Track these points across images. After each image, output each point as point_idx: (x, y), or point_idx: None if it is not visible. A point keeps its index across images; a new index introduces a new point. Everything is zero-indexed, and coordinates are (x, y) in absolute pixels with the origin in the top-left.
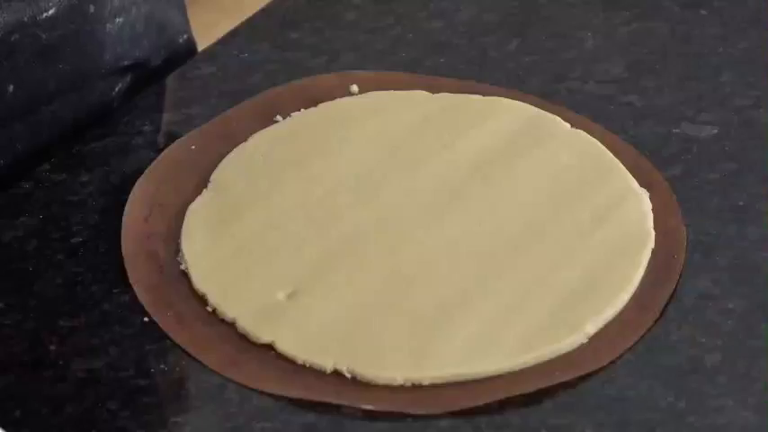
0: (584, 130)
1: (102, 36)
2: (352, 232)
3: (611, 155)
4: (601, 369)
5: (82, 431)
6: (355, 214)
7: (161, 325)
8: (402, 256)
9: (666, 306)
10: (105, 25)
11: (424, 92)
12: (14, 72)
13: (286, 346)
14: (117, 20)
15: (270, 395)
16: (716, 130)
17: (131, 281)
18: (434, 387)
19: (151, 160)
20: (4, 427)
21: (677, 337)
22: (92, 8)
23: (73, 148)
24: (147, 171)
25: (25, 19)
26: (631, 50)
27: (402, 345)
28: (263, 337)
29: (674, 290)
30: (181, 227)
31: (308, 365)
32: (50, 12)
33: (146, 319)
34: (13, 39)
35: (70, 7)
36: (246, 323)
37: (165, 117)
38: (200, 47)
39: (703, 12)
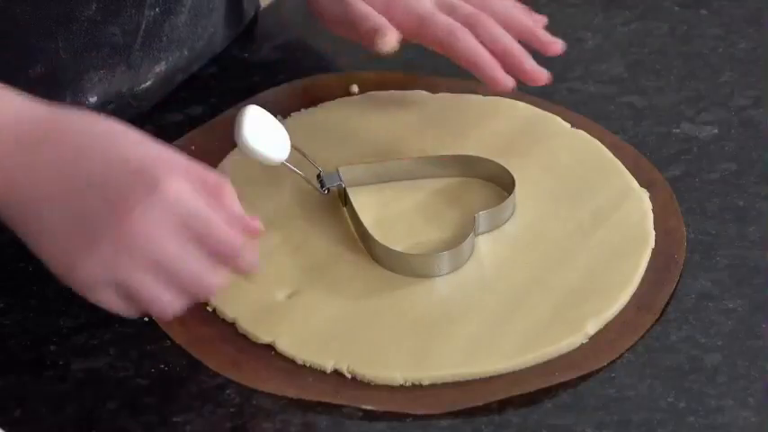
0: (584, 130)
1: None
2: (352, 232)
3: (611, 155)
4: (601, 369)
5: (82, 431)
6: None
7: (161, 325)
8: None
9: (666, 306)
10: None
11: (424, 92)
12: None
13: (286, 346)
14: None
15: (270, 395)
16: (716, 130)
17: None
18: (434, 387)
19: None
20: (3, 427)
21: (677, 337)
22: (180, 77)
23: None
24: None
25: (124, 90)
26: (631, 50)
27: (402, 345)
28: (263, 337)
29: (674, 290)
30: None
31: (308, 365)
32: (147, 83)
33: (146, 319)
34: (109, 108)
35: (164, 78)
36: (246, 323)
37: (166, 117)
38: None
39: (703, 12)
